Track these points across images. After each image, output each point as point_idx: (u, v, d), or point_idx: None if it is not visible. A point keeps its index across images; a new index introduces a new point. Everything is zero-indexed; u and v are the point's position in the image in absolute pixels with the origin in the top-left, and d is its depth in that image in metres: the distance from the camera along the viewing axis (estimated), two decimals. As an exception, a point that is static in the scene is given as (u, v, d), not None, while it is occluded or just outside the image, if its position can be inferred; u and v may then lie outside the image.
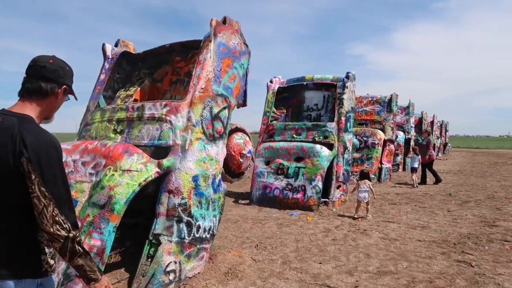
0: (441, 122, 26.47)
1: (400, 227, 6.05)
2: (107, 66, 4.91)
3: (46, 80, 1.60)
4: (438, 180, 11.51)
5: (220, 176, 3.97)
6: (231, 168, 4.28)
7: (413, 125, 16.35)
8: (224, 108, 4.02)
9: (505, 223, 6.25)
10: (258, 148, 8.25)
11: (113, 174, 3.24)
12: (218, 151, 3.91)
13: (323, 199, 7.56)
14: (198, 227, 3.72)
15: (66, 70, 1.68)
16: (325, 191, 7.67)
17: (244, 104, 4.39)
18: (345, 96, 7.91)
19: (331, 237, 5.44)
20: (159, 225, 3.49)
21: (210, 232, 3.90)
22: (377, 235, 5.54)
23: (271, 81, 8.93)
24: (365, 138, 11.70)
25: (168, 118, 3.78)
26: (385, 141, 11.89)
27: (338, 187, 7.73)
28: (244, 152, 4.25)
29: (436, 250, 4.79)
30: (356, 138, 10.84)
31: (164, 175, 3.55)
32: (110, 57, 4.92)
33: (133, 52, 5.14)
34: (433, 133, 21.83)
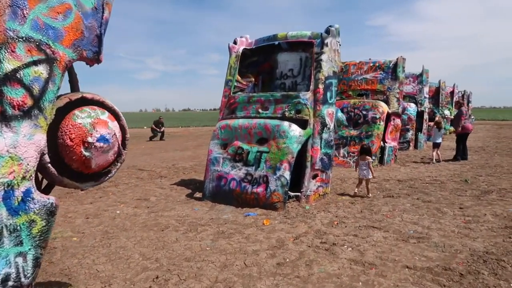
0: (462, 92, 23.88)
1: (386, 238, 4.24)
2: None
3: None
4: (462, 158, 10.30)
5: (27, 184, 2.25)
6: (72, 167, 2.55)
7: (427, 96, 14.16)
8: (36, 62, 2.25)
9: (541, 230, 4.36)
10: (215, 128, 6.49)
11: None
12: (17, 140, 2.17)
13: (293, 194, 5.79)
14: (-32, 282, 2.04)
15: None
16: (298, 183, 5.89)
17: (97, 59, 2.61)
18: (323, 57, 5.98)
19: (279, 259, 3.69)
20: None
21: (10, 284, 2.22)
22: (347, 255, 3.76)
23: (234, 42, 7.05)
24: (364, 112, 9.74)
25: None
26: (389, 115, 9.90)
27: (315, 176, 5.91)
28: (90, 139, 2.49)
29: (430, 291, 2.99)
30: (341, 111, 8.96)
31: None
32: None
33: None
34: (453, 104, 19.47)
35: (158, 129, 18.86)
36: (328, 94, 6.01)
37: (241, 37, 7.16)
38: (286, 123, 5.72)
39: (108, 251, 3.98)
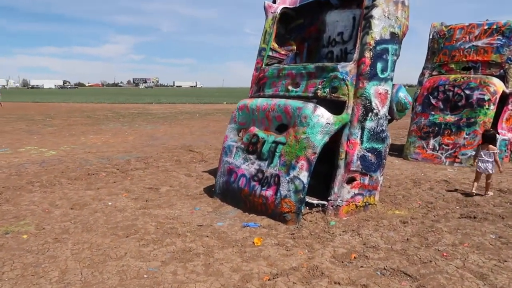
0: None
1: (412, 302, 2.57)
2: None
3: None
4: None
5: None
6: None
7: None
8: None
9: None
10: (234, 109, 5.26)
11: None
12: None
13: (317, 202, 4.28)
14: None
15: None
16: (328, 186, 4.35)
17: None
18: (375, 12, 4.18)
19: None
20: None
21: None
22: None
23: (274, 1, 5.59)
24: (467, 91, 7.29)
25: None
26: (505, 96, 7.27)
27: (350, 180, 4.28)
28: None
29: None
30: (437, 90, 6.83)
31: None
32: None
33: None
34: None
35: None
36: (379, 65, 4.23)
37: (284, -7, 5.66)
38: (310, 106, 4.18)
39: (34, 260, 3.21)
